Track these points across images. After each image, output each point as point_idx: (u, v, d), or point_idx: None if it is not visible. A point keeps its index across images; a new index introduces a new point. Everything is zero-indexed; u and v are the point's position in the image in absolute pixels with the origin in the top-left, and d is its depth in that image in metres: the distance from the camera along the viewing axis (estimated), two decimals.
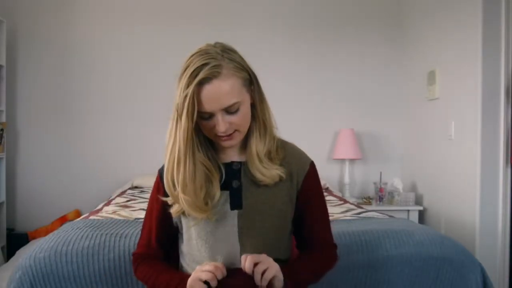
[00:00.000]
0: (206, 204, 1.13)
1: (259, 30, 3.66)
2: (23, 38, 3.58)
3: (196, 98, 1.06)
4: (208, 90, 1.06)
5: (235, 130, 1.12)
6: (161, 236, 1.24)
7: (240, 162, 1.19)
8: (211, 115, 1.10)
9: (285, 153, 1.22)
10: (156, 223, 1.23)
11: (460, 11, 2.92)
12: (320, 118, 3.75)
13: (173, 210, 1.17)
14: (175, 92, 1.10)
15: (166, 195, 1.19)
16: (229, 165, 1.19)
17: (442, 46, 3.14)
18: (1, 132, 3.33)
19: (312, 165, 1.25)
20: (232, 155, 1.21)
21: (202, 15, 3.67)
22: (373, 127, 3.79)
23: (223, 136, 1.12)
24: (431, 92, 3.26)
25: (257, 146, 1.17)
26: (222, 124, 1.09)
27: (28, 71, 3.59)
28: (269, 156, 1.18)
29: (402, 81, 3.77)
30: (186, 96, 1.06)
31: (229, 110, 1.09)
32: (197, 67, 1.06)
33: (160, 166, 1.25)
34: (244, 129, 1.15)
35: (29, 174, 3.59)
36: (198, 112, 1.08)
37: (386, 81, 3.80)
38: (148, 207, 1.28)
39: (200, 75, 1.05)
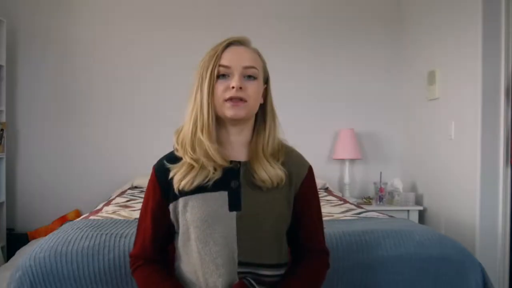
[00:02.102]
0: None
1: (258, 30, 3.65)
2: (23, 38, 3.58)
3: (220, 57, 1.15)
4: (234, 49, 1.17)
5: (244, 101, 1.14)
6: (157, 235, 1.22)
7: (239, 162, 1.19)
8: (228, 74, 1.15)
9: (284, 156, 1.22)
10: (151, 222, 1.22)
11: (460, 11, 2.92)
12: (320, 118, 3.75)
13: (180, 184, 1.14)
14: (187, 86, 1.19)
15: (163, 193, 1.18)
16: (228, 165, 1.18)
17: (442, 46, 3.14)
18: (1, 132, 3.33)
19: (310, 169, 1.25)
20: (235, 154, 1.20)
21: (202, 16, 3.67)
22: (373, 127, 3.79)
23: (232, 99, 1.13)
24: (431, 92, 3.26)
25: (264, 144, 1.18)
26: (238, 79, 1.14)
27: (28, 71, 3.59)
28: (273, 157, 1.19)
29: (402, 81, 3.77)
30: (213, 55, 1.15)
31: (248, 73, 1.16)
32: (229, 38, 1.19)
33: (153, 166, 1.24)
34: (252, 104, 1.17)
35: (29, 174, 3.59)
36: (219, 66, 1.15)
37: (386, 81, 3.80)
38: (142, 206, 1.26)
39: (231, 39, 1.18)
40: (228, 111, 1.14)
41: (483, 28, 2.67)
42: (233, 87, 1.13)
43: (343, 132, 3.62)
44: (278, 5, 3.74)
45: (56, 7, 3.61)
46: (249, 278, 1.14)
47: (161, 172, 1.19)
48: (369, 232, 1.70)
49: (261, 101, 1.21)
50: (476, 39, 2.71)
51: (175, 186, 1.15)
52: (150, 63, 3.64)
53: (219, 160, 1.14)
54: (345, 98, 3.77)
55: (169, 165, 1.18)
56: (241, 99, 1.14)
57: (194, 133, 1.15)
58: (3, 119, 3.39)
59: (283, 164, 1.20)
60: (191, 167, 1.15)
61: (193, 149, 1.14)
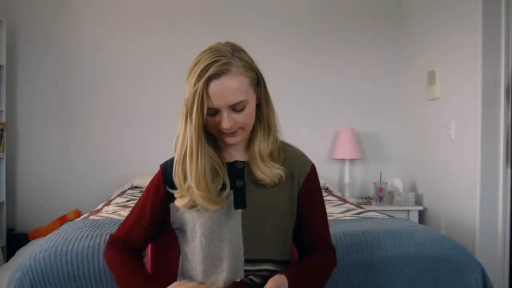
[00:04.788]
0: (219, 195, 1.14)
1: (259, 31, 3.66)
2: (23, 38, 3.58)
3: (204, 93, 1.08)
4: (216, 86, 1.08)
5: (239, 128, 1.13)
6: (149, 228, 1.23)
7: (243, 162, 1.20)
8: (217, 111, 1.11)
9: (287, 154, 1.22)
10: (149, 215, 1.22)
11: (460, 11, 2.92)
12: (320, 118, 3.75)
13: (181, 203, 1.16)
14: (185, 88, 1.12)
15: (166, 193, 1.19)
16: (232, 165, 1.19)
17: (442, 46, 3.14)
18: (1, 132, 3.33)
19: (313, 167, 1.25)
20: (236, 155, 1.21)
21: (202, 16, 3.67)
22: (373, 127, 3.79)
23: (227, 133, 1.13)
24: (431, 92, 3.26)
25: (260, 146, 1.18)
26: (227, 121, 1.10)
27: (28, 71, 3.59)
28: (271, 157, 1.19)
29: (402, 81, 3.77)
30: (195, 92, 1.07)
31: (235, 108, 1.10)
32: (207, 64, 1.07)
33: (160, 165, 1.24)
34: (248, 128, 1.16)
35: (29, 174, 3.59)
36: (207, 107, 1.09)
37: (386, 81, 3.80)
38: (142, 198, 1.26)
39: (210, 72, 1.07)
40: (226, 140, 1.15)
41: (483, 28, 2.67)
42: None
43: (343, 132, 3.63)
44: (279, 5, 3.74)
45: (56, 7, 3.61)
46: (252, 277, 1.15)
47: (168, 175, 1.19)
48: (369, 232, 1.70)
49: (257, 102, 1.19)
50: (476, 39, 2.71)
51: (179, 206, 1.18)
52: (150, 63, 3.64)
53: (211, 206, 1.13)
54: (345, 98, 3.77)
55: (171, 191, 1.18)
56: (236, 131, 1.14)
57: (184, 178, 1.14)
58: (3, 119, 3.39)
59: (284, 161, 1.20)
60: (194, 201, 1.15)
61: (189, 188, 1.13)
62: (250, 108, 1.13)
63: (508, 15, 2.65)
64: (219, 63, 1.07)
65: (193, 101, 1.08)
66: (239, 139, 1.15)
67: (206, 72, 1.07)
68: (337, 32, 3.76)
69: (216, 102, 1.08)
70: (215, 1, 3.72)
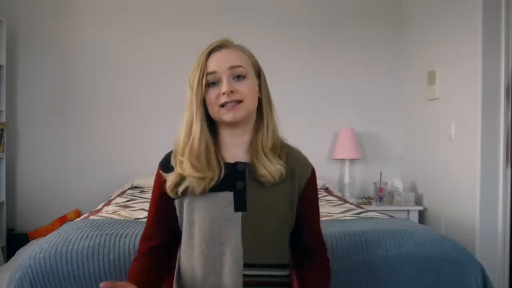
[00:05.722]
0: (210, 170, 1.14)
1: (259, 31, 3.66)
2: (23, 38, 3.58)
3: (205, 64, 1.15)
4: (216, 55, 1.16)
5: (240, 101, 1.14)
6: (161, 226, 1.22)
7: (245, 163, 1.19)
8: (218, 81, 1.14)
9: (288, 156, 1.22)
10: (156, 215, 1.22)
11: (460, 11, 2.92)
12: (320, 118, 3.75)
13: (169, 182, 1.16)
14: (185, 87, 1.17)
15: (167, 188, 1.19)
16: (234, 166, 1.18)
17: (442, 46, 3.14)
18: (1, 132, 3.33)
19: (313, 171, 1.26)
20: (238, 155, 1.20)
21: (203, 16, 3.67)
22: (373, 127, 3.79)
23: (227, 104, 1.13)
24: (431, 92, 3.26)
25: (263, 140, 1.18)
26: (226, 83, 1.13)
27: (28, 71, 3.58)
28: (273, 152, 1.19)
29: (402, 81, 3.77)
30: (197, 65, 1.15)
31: (235, 73, 1.15)
32: (210, 45, 1.18)
33: (159, 163, 1.24)
34: (249, 103, 1.16)
35: (29, 174, 3.59)
36: (206, 74, 1.14)
37: (386, 81, 3.80)
38: (150, 201, 1.26)
39: (212, 45, 1.17)
40: (225, 116, 1.14)
41: (483, 28, 2.67)
42: (223, 93, 1.13)
43: (343, 132, 3.63)
44: (279, 5, 3.74)
45: (56, 7, 3.61)
46: None
47: (167, 169, 1.19)
48: (369, 232, 1.70)
49: (258, 95, 1.20)
50: (476, 39, 2.71)
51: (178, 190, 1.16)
52: (150, 63, 3.64)
53: (200, 173, 1.13)
54: (345, 98, 3.77)
55: (165, 174, 1.18)
56: (236, 101, 1.14)
57: (183, 150, 1.16)
58: (3, 119, 3.39)
59: (286, 162, 1.19)
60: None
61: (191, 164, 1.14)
62: (251, 82, 1.17)
63: (508, 15, 2.65)
64: (221, 39, 1.19)
65: (195, 74, 1.14)
66: (239, 114, 1.14)
67: (209, 47, 1.17)
68: (337, 32, 3.76)
69: (216, 66, 1.14)
70: (215, 1, 3.71)
